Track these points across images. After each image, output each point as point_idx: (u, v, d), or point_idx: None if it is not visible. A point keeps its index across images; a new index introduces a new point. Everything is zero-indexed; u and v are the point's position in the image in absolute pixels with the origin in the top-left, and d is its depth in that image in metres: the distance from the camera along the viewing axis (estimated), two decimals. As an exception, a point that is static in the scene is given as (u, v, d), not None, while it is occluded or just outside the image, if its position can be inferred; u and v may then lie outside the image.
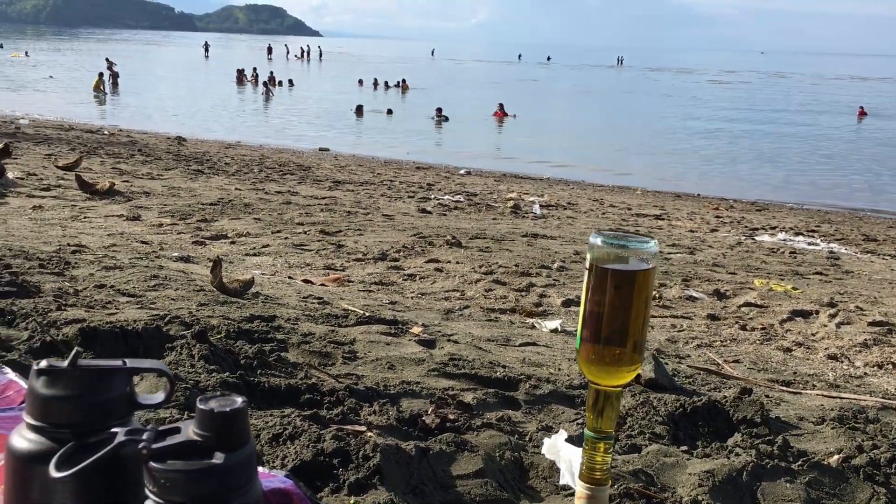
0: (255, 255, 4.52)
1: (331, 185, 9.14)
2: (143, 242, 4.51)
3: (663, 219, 9.10)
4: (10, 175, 6.50)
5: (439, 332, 2.94)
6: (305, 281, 3.87)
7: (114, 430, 0.78)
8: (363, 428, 1.66)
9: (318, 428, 1.60)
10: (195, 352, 2.02)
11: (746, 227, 8.81)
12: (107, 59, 32.49)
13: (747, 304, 4.20)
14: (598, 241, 1.16)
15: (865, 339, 3.66)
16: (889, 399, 2.72)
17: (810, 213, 11.98)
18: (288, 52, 73.28)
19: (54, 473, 0.74)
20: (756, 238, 7.44)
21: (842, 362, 3.32)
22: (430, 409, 1.86)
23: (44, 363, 0.81)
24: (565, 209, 9.00)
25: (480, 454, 1.63)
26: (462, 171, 14.55)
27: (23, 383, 1.65)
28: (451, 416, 1.83)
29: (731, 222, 9.21)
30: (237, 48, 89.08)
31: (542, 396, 2.18)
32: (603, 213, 9.03)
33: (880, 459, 1.88)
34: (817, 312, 4.13)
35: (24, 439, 0.80)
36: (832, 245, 7.35)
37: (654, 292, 3.95)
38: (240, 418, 0.77)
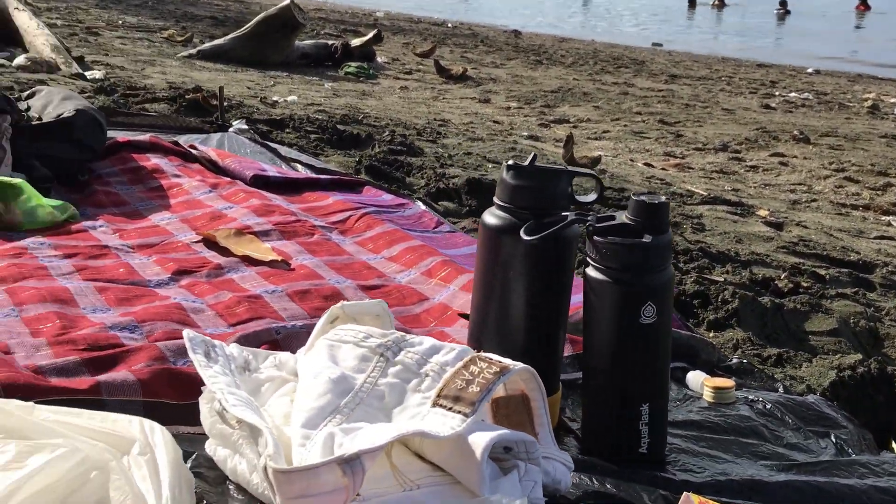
0: (596, 139, 4.71)
1: (666, 78, 9.00)
2: (495, 122, 4.90)
3: None
4: (379, 59, 7.25)
5: (786, 217, 2.94)
6: (647, 164, 4.00)
7: (563, 213, 1.01)
8: (721, 279, 1.80)
9: (678, 274, 1.77)
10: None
11: None
12: None
13: None
14: None
15: None
16: None
17: None
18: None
19: (525, 237, 0.98)
20: None
21: None
22: (783, 275, 1.95)
23: (511, 161, 1.06)
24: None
25: (835, 317, 1.71)
26: (809, 70, 13.42)
27: (432, 213, 2.00)
28: (804, 284, 1.91)
29: None
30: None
31: (899, 281, 2.15)
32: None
33: None
34: None
35: (494, 217, 1.06)
36: None
37: None
38: (664, 209, 0.96)
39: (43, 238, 1.60)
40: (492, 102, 5.81)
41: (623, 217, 0.98)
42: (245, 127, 2.61)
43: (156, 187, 2.01)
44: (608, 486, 0.94)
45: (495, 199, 1.07)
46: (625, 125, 5.22)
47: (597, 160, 3.49)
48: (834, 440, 1.15)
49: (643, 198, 0.96)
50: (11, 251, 1.51)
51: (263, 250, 1.62)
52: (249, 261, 1.58)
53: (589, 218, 0.98)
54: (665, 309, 0.97)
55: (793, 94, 8.12)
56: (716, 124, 5.54)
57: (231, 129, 2.61)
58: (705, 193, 3.09)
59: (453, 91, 6.18)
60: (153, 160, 2.14)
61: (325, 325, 0.95)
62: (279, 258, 1.59)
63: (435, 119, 4.56)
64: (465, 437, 0.78)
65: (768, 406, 1.20)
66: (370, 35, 6.89)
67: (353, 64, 6.58)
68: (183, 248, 1.64)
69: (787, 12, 24.80)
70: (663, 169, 3.95)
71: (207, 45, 6.58)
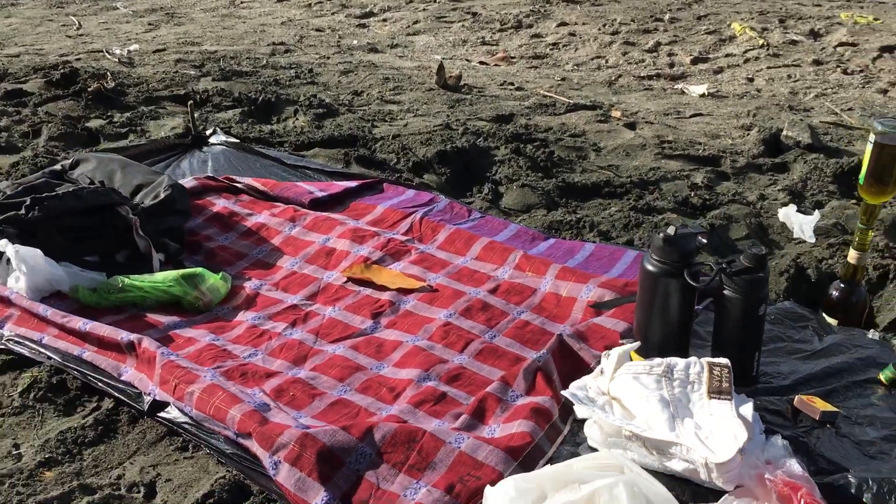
0: (414, 34, 5.27)
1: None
2: (318, 30, 5.27)
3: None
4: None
5: (625, 109, 3.85)
6: (482, 62, 4.70)
7: (704, 263, 1.79)
8: (662, 205, 2.66)
9: (651, 216, 2.61)
10: (521, 163, 2.99)
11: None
12: None
13: (841, 44, 4.99)
14: (879, 126, 2.05)
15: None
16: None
17: None
18: None
19: (693, 283, 1.75)
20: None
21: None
22: (692, 193, 2.85)
23: (662, 234, 1.79)
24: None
25: (742, 223, 2.65)
26: None
27: (459, 203, 2.63)
28: (706, 196, 2.83)
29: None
30: None
31: (740, 168, 3.15)
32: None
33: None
34: (900, 47, 4.93)
35: (653, 265, 1.80)
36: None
37: (762, 39, 4.69)
38: (765, 258, 1.76)
39: (251, 312, 2.08)
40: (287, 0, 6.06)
41: (742, 261, 1.77)
42: (234, 140, 2.97)
43: (245, 231, 2.44)
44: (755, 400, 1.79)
45: (651, 254, 1.81)
46: (423, 9, 5.79)
47: (459, 77, 4.13)
48: (811, 329, 2.09)
49: (754, 251, 1.76)
50: (253, 333, 1.99)
51: (403, 279, 2.22)
52: (404, 291, 2.18)
53: (724, 265, 1.76)
54: (767, 306, 1.81)
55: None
56: (491, -9, 6.27)
57: (215, 143, 2.96)
58: (565, 100, 3.89)
59: (241, -10, 6.30)
60: (218, 203, 2.54)
61: (613, 360, 1.68)
62: (423, 283, 2.20)
63: (273, 44, 4.86)
64: (738, 409, 1.58)
65: (772, 317, 2.10)
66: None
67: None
68: (343, 292, 2.18)
69: None
70: (496, 65, 4.68)
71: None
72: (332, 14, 5.69)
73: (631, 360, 1.73)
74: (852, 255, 2.18)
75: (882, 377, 1.89)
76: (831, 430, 1.72)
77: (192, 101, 3.09)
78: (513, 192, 2.82)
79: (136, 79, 3.95)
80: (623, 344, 1.77)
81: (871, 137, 2.06)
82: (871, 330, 2.13)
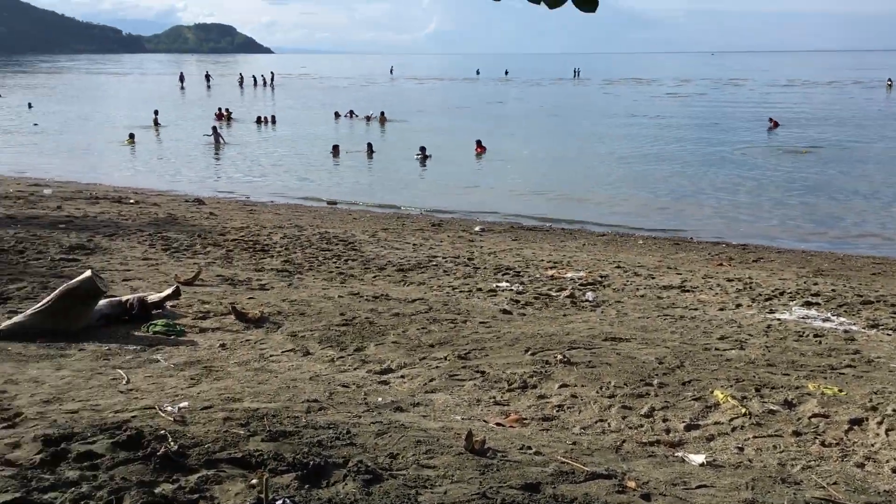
0: (432, 392, 5.81)
1: (397, 274, 10.45)
2: (344, 386, 5.79)
3: (688, 290, 10.47)
4: (167, 305, 7.69)
5: (636, 478, 4.27)
6: (499, 424, 5.18)
7: None
8: None
9: None
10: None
11: (760, 294, 10.23)
12: None
13: (815, 415, 5.58)
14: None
15: (911, 447, 5.06)
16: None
17: (794, 257, 13.69)
18: (241, 81, 77.09)
19: None
20: (779, 317, 8.87)
21: (902, 474, 4.71)
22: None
23: None
24: (603, 287, 10.39)
25: None
26: (477, 229, 15.97)
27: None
28: (731, 577, 3.17)
29: (745, 288, 10.61)
30: (219, 77, 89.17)
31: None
32: (636, 288, 10.38)
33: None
34: (867, 419, 5.53)
35: None
36: (842, 319, 8.84)
37: (744, 408, 5.29)
38: None
39: None
40: (311, 353, 6.66)
41: None
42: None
43: None
44: None
45: None
46: (436, 367, 6.39)
47: (483, 441, 4.57)
48: None
49: None
50: None
51: None
52: None
53: None
54: None
55: (504, 285, 9.98)
56: (493, 349, 6.94)
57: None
58: (584, 468, 4.32)
59: (269, 343, 6.91)
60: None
61: None
62: None
63: (308, 400, 5.34)
64: None
65: None
66: (168, 291, 7.36)
67: (160, 322, 7.02)
68: None
69: (429, 156, 28.26)
70: (511, 426, 5.16)
71: (5, 323, 6.59)
72: (355, 370, 6.25)
73: None
74: None
75: None
76: None
77: (266, 476, 3.45)
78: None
79: (192, 438, 4.33)
80: None
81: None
82: None
